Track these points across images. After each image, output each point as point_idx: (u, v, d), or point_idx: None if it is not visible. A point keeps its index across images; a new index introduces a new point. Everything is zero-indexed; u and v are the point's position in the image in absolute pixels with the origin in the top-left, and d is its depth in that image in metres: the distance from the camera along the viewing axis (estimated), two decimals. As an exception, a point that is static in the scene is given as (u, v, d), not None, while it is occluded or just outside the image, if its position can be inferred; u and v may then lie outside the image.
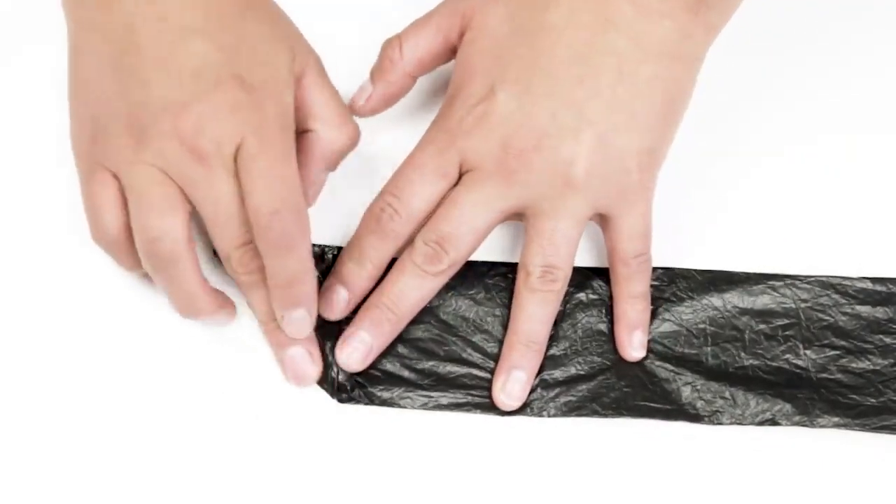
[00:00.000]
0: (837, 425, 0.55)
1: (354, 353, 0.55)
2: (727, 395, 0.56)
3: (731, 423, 0.55)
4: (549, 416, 0.55)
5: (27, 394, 0.54)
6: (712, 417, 0.55)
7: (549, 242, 0.54)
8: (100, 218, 0.51)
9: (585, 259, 0.58)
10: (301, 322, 0.53)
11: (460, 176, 0.55)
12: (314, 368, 0.54)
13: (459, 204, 0.54)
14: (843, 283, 0.57)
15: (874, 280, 0.57)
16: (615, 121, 0.53)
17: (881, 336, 0.57)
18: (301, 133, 0.54)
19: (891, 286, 0.57)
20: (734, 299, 0.57)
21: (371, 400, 0.55)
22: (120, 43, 0.50)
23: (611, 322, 0.56)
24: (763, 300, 0.57)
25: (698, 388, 0.56)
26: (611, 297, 0.57)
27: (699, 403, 0.55)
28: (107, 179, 0.51)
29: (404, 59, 0.56)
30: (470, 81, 0.55)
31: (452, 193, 0.54)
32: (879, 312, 0.57)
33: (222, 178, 0.50)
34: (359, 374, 0.55)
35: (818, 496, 0.54)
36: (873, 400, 0.55)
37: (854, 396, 0.56)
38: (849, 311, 0.57)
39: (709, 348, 0.56)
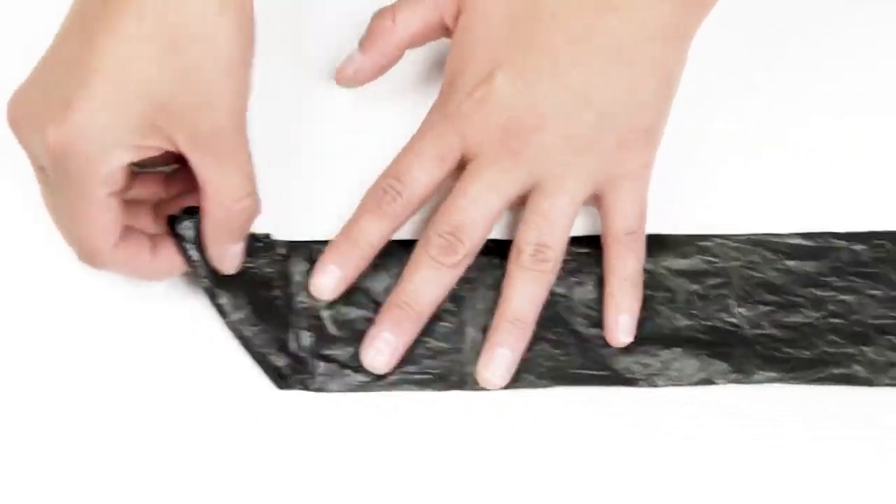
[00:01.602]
0: (772, 380, 0.55)
1: (379, 354, 0.54)
2: (662, 357, 0.56)
3: (668, 385, 0.56)
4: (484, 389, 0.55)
5: (25, 393, 0.54)
6: (648, 381, 0.56)
7: (545, 220, 0.54)
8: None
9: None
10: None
11: (462, 162, 0.55)
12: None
13: (468, 192, 0.54)
14: (774, 239, 0.58)
15: (804, 235, 0.58)
16: (614, 101, 0.54)
17: (812, 289, 0.57)
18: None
19: (819, 240, 0.58)
20: (666, 262, 0.57)
21: (307, 386, 0.55)
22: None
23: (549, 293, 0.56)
24: (695, 261, 0.57)
25: (633, 351, 0.56)
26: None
27: (635, 367, 0.56)
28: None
29: (397, 32, 0.57)
30: (467, 66, 0.55)
31: (459, 183, 0.54)
32: (810, 266, 0.57)
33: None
34: (297, 359, 0.55)
35: (757, 452, 0.55)
36: (807, 353, 0.56)
37: (788, 350, 0.56)
38: (780, 266, 0.57)
39: (643, 311, 0.56)
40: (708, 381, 0.55)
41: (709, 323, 0.56)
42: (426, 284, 0.54)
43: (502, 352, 0.55)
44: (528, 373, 0.55)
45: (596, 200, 0.56)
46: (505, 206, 0.55)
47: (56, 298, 0.56)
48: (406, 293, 0.54)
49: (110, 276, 0.54)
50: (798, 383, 0.55)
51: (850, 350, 0.56)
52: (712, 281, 0.57)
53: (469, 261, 0.55)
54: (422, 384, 0.55)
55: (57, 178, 0.49)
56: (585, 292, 0.57)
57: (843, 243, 0.58)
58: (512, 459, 0.54)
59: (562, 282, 0.56)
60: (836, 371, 0.55)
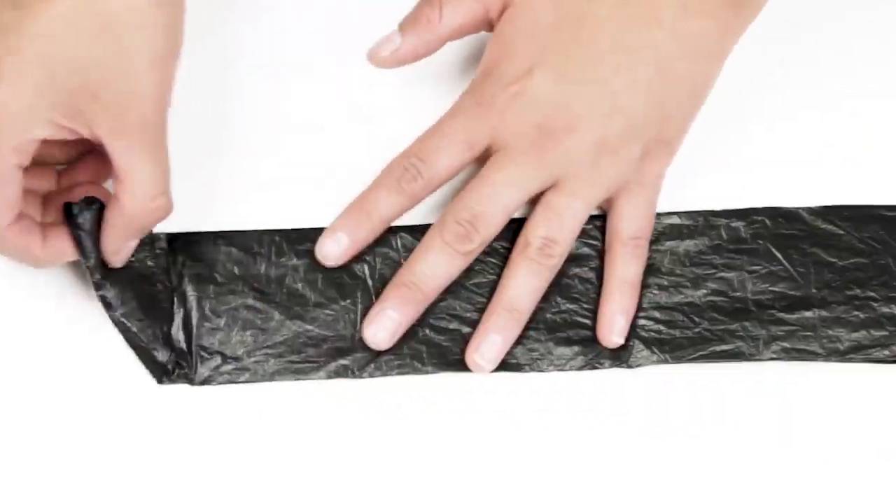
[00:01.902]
0: (653, 361, 0.56)
1: (381, 330, 0.54)
2: (547, 342, 0.56)
3: (552, 370, 0.56)
4: (369, 376, 0.55)
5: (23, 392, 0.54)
6: (533, 366, 0.56)
7: (559, 217, 0.54)
8: None
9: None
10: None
11: (487, 153, 0.55)
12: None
13: (492, 182, 0.54)
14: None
15: (681, 214, 0.58)
16: (646, 111, 0.54)
17: (692, 268, 0.57)
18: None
19: (698, 219, 0.58)
20: None
21: (190, 380, 0.54)
22: None
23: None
24: (576, 244, 0.57)
25: (519, 338, 0.56)
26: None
27: (519, 352, 0.56)
28: None
29: (443, 22, 0.56)
30: (507, 59, 0.55)
31: (484, 171, 0.54)
32: (689, 245, 0.57)
33: None
34: (179, 353, 0.55)
35: (639, 438, 0.55)
36: (688, 332, 0.56)
37: (671, 332, 0.56)
38: (659, 247, 0.57)
39: (525, 296, 0.56)
40: (592, 366, 0.56)
41: (591, 307, 0.56)
42: (436, 267, 0.54)
43: (495, 338, 0.55)
44: (415, 360, 0.55)
45: (606, 202, 0.56)
46: (524, 200, 0.55)
47: (61, 297, 0.56)
48: (414, 273, 0.54)
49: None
50: (679, 363, 0.55)
51: (732, 326, 0.56)
52: (594, 264, 0.57)
53: (481, 249, 0.55)
54: (303, 372, 0.55)
55: None
56: (474, 276, 0.56)
57: (721, 221, 0.58)
58: (506, 453, 0.55)
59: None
60: (718, 348, 0.56)
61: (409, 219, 0.56)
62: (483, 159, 0.55)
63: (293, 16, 0.61)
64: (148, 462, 0.54)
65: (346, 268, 0.56)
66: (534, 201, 0.55)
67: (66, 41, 0.48)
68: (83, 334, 0.55)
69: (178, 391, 0.55)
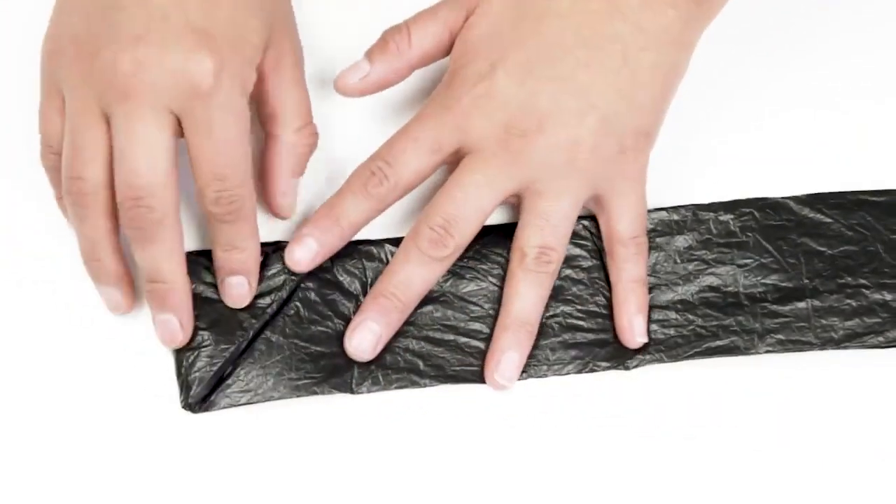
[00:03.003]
0: (649, 362, 0.55)
1: (363, 342, 0.54)
2: (543, 348, 0.55)
3: (551, 375, 0.55)
4: (367, 391, 0.54)
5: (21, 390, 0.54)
6: (530, 372, 0.55)
7: (548, 223, 0.54)
8: (46, 142, 0.52)
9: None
10: (239, 287, 0.54)
11: (457, 157, 0.54)
12: (183, 336, 0.53)
13: (463, 185, 0.53)
14: (640, 217, 0.57)
15: (669, 209, 0.58)
16: (617, 105, 0.54)
17: (683, 265, 0.57)
18: (264, 134, 0.54)
19: (685, 213, 0.58)
20: None
21: (190, 407, 0.54)
22: None
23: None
24: (569, 246, 0.57)
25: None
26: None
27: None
28: (59, 104, 0.51)
29: (412, 50, 0.56)
30: (471, 61, 0.54)
31: (455, 175, 0.54)
32: (679, 241, 0.57)
33: (146, 123, 0.49)
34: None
35: (640, 439, 0.55)
36: (683, 330, 0.56)
37: (664, 330, 0.56)
38: (649, 245, 0.57)
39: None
40: (590, 369, 0.55)
41: (584, 308, 0.56)
42: (413, 276, 0.54)
43: (512, 355, 0.54)
44: (412, 374, 0.55)
45: (595, 203, 0.56)
46: (497, 203, 0.54)
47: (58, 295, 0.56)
48: (392, 283, 0.54)
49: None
50: (674, 361, 0.55)
51: (726, 321, 0.56)
52: (585, 264, 0.57)
53: (458, 254, 0.54)
54: (302, 389, 0.54)
55: (211, 109, 0.50)
56: (465, 285, 0.56)
57: (709, 214, 0.57)
58: (505, 455, 0.54)
59: (445, 279, 0.56)
60: (713, 344, 0.56)
61: (395, 230, 0.56)
62: (452, 163, 0.55)
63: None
64: (146, 473, 0.53)
65: (338, 285, 0.55)
66: (515, 205, 0.55)
67: None
68: (84, 344, 0.55)
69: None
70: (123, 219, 0.50)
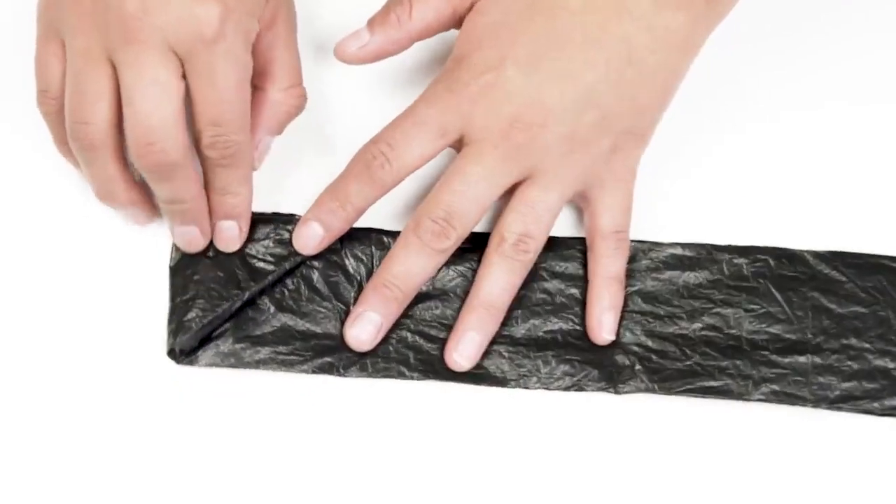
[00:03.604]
0: (640, 390, 0.55)
1: (363, 332, 0.55)
2: (535, 359, 0.56)
3: (539, 387, 0.55)
4: (355, 376, 0.55)
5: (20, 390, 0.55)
6: (519, 381, 0.55)
7: (532, 211, 0.54)
8: (42, 87, 0.52)
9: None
10: (230, 231, 0.54)
11: (458, 143, 0.54)
12: (204, 241, 0.55)
13: (465, 177, 0.54)
14: (653, 248, 0.57)
15: (684, 245, 0.57)
16: (618, 104, 0.54)
17: (690, 300, 0.57)
18: (252, 88, 0.53)
19: (700, 252, 0.57)
20: (545, 263, 0.57)
21: (174, 357, 0.55)
22: None
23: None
24: (574, 265, 0.57)
25: (504, 353, 0.56)
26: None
27: (506, 367, 0.55)
28: (57, 50, 0.51)
29: (413, 22, 0.56)
30: (478, 49, 0.54)
31: (456, 166, 0.54)
32: (690, 277, 0.57)
33: (154, 65, 0.50)
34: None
35: (624, 461, 0.55)
36: (679, 364, 0.56)
37: (660, 361, 0.56)
38: (658, 276, 0.57)
39: (518, 311, 0.56)
40: (578, 388, 0.55)
41: (583, 328, 0.56)
42: (413, 266, 0.54)
43: (473, 335, 0.55)
44: (401, 365, 0.55)
45: (582, 199, 0.56)
46: (497, 195, 0.54)
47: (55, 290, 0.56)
48: (393, 274, 0.54)
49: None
50: (667, 394, 0.55)
51: (724, 363, 0.56)
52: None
53: (456, 246, 0.54)
54: (289, 364, 0.55)
55: (213, 55, 0.50)
56: (463, 284, 0.56)
57: (724, 256, 0.57)
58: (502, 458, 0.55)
59: (440, 275, 0.56)
60: (707, 384, 0.55)
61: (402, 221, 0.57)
62: (454, 148, 0.55)
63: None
64: (129, 446, 0.54)
65: (343, 268, 0.56)
66: (507, 195, 0.55)
67: None
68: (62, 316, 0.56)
69: (166, 376, 0.55)
70: (138, 161, 0.51)
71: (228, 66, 0.51)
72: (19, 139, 0.57)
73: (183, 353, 0.54)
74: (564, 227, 0.58)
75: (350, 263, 0.56)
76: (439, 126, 0.54)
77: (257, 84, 0.55)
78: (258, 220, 0.56)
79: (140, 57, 0.50)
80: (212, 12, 0.50)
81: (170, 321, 0.55)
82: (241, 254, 0.55)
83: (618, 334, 0.56)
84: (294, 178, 0.58)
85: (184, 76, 0.50)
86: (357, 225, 0.56)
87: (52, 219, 0.57)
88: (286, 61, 0.55)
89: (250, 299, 0.55)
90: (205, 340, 0.55)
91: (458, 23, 0.56)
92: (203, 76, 0.50)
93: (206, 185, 0.54)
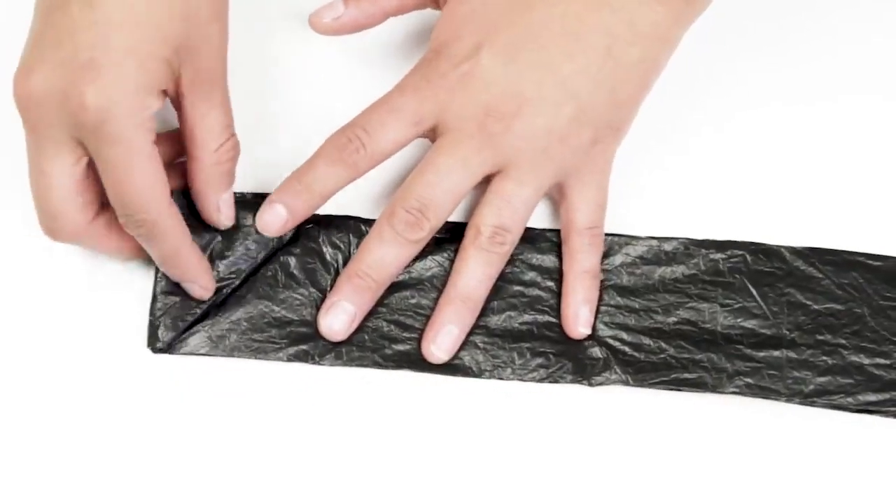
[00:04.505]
0: (614, 382, 0.56)
1: (336, 322, 0.55)
2: (511, 351, 0.56)
3: (513, 379, 0.56)
4: (329, 364, 0.55)
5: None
6: (493, 373, 0.56)
7: (508, 204, 0.55)
8: None
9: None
10: (191, 289, 0.54)
11: (432, 132, 0.55)
12: (208, 293, 0.55)
13: (438, 167, 0.54)
14: (630, 242, 0.58)
15: (661, 240, 0.58)
16: (596, 97, 0.54)
17: (665, 295, 0.57)
18: (186, 155, 0.53)
19: (677, 246, 0.58)
20: (523, 255, 0.57)
21: (152, 346, 0.55)
22: None
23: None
24: (551, 258, 0.57)
25: (479, 344, 0.56)
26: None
27: (481, 358, 0.56)
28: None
29: None
30: (457, 38, 0.55)
31: (430, 156, 0.54)
32: (666, 272, 0.57)
33: (48, 154, 0.50)
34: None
35: (598, 454, 0.55)
36: (653, 357, 0.56)
37: (635, 354, 0.56)
38: (634, 270, 0.57)
39: (494, 302, 0.57)
40: (553, 380, 0.56)
41: (558, 321, 0.56)
42: (387, 256, 0.54)
43: (451, 328, 0.55)
44: (376, 353, 0.56)
45: (558, 191, 0.56)
46: (472, 185, 0.55)
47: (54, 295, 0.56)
48: (366, 263, 0.55)
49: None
50: (640, 386, 0.55)
51: (698, 356, 0.56)
52: (567, 279, 0.57)
53: (430, 236, 0.55)
54: (263, 352, 0.55)
55: (100, 141, 0.49)
56: (439, 274, 0.57)
57: (700, 251, 0.58)
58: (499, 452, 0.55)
59: (417, 265, 0.57)
60: (681, 376, 0.56)
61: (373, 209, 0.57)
62: (428, 137, 0.55)
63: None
64: (114, 434, 0.55)
65: (320, 255, 0.56)
66: (482, 184, 0.55)
67: (148, 9, 0.49)
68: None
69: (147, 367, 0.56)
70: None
71: (118, 152, 0.49)
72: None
73: (162, 342, 0.55)
74: (541, 218, 0.58)
75: (328, 251, 0.57)
76: (415, 114, 0.54)
77: (189, 150, 0.53)
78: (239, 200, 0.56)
79: (33, 143, 0.50)
80: (90, 100, 0.48)
81: (151, 312, 0.55)
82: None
83: (593, 327, 0.56)
84: (269, 158, 0.58)
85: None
86: (337, 213, 0.56)
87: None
88: (212, 119, 0.52)
89: (232, 290, 0.56)
90: (183, 329, 0.55)
91: (434, 4, 0.57)
92: (99, 160, 0.50)
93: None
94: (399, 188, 0.55)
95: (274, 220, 0.55)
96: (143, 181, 0.50)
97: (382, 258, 0.54)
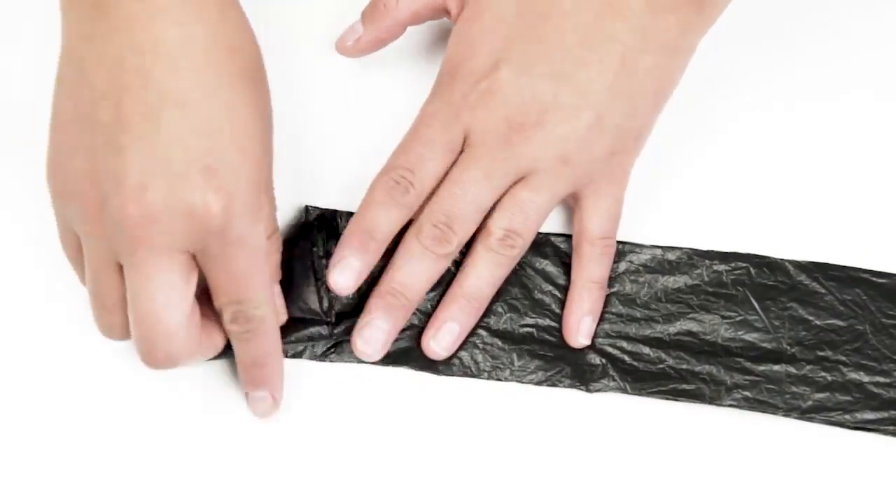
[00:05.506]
0: (612, 389, 0.56)
1: (371, 342, 0.55)
2: (510, 352, 0.56)
3: (512, 380, 0.56)
4: (329, 361, 0.55)
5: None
6: (492, 373, 0.56)
7: (521, 210, 0.55)
8: (76, 270, 0.52)
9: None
10: (263, 402, 0.54)
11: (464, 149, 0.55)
12: (275, 409, 0.54)
13: (462, 182, 0.54)
14: (634, 250, 0.58)
15: (665, 249, 0.58)
16: (613, 105, 0.54)
17: (667, 304, 0.57)
18: None
19: (681, 256, 0.58)
20: (527, 257, 0.57)
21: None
22: (102, 90, 0.48)
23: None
24: (556, 263, 0.57)
25: (478, 344, 0.56)
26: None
27: (480, 358, 0.56)
28: (73, 240, 0.50)
29: (399, 8, 0.57)
30: (473, 56, 0.55)
31: (456, 170, 0.55)
32: (668, 282, 0.57)
33: (158, 271, 0.48)
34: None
35: (594, 459, 0.55)
36: (652, 367, 0.56)
37: (634, 363, 0.56)
38: (637, 279, 0.57)
39: (496, 304, 0.57)
40: (551, 383, 0.56)
41: (559, 325, 0.57)
42: (418, 272, 0.55)
43: (452, 326, 0.55)
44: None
45: (573, 200, 0.57)
46: (496, 197, 0.55)
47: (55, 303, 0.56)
48: (396, 281, 0.55)
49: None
50: (638, 395, 0.55)
51: (697, 368, 0.56)
52: (568, 284, 0.57)
53: (458, 250, 0.55)
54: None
55: (225, 242, 0.49)
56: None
57: (704, 262, 0.58)
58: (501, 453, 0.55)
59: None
60: (679, 386, 0.56)
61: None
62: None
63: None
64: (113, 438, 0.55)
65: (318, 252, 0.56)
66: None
67: (241, 118, 0.49)
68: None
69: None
70: (144, 362, 0.50)
71: (240, 252, 0.49)
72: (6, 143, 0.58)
73: None
74: (548, 223, 0.58)
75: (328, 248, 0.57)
76: (447, 142, 0.54)
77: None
78: None
79: (142, 264, 0.48)
80: (214, 205, 0.48)
81: None
82: None
83: (597, 334, 0.56)
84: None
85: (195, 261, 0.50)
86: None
87: (27, 212, 0.57)
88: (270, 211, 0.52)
89: None
90: None
91: (446, 12, 0.57)
92: (217, 265, 0.49)
93: (236, 359, 0.53)
94: (426, 204, 0.55)
95: (349, 277, 0.54)
96: (262, 278, 0.51)
97: (414, 274, 0.54)
